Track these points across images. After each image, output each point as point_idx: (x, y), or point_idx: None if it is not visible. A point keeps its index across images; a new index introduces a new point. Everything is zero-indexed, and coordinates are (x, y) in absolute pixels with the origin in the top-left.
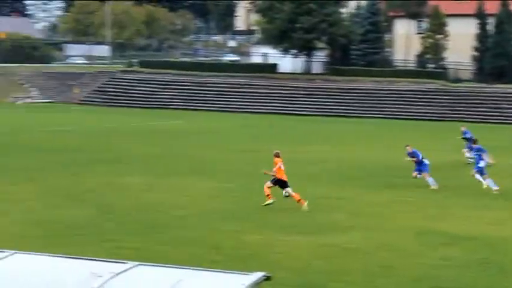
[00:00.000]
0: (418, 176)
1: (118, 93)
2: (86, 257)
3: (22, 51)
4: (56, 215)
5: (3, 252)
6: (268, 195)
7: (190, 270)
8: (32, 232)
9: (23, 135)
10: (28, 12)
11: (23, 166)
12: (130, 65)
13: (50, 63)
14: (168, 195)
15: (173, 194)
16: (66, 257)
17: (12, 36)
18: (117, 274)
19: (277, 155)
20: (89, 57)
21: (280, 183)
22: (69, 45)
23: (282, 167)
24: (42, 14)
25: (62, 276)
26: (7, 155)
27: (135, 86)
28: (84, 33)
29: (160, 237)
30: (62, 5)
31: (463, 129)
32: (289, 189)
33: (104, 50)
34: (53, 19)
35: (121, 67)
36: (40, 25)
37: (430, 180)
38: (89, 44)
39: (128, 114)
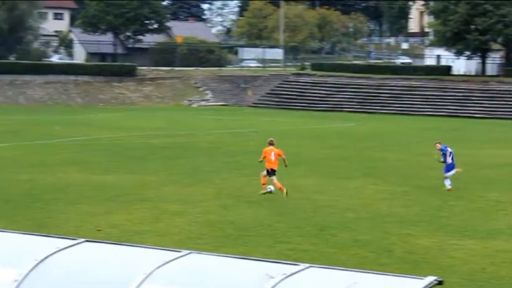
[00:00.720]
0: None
1: (290, 96)
2: (258, 258)
3: (198, 54)
4: (229, 216)
5: (180, 252)
6: (263, 184)
7: (362, 273)
8: (207, 232)
9: (199, 137)
10: (205, 17)
11: (199, 167)
12: (303, 68)
13: (225, 67)
14: (341, 198)
15: (345, 196)
16: (238, 258)
17: (188, 40)
18: (289, 275)
19: (271, 143)
20: (262, 61)
21: (269, 172)
22: (243, 49)
23: (273, 157)
24: (217, 19)
25: (234, 276)
26: (184, 157)
27: (307, 88)
28: (257, 36)
29: (332, 239)
30: (237, 9)
31: None
32: (273, 177)
33: (277, 53)
34: (227, 23)
35: (293, 70)
36: (215, 29)
37: (447, 181)
38: (263, 48)
39: (301, 117)
